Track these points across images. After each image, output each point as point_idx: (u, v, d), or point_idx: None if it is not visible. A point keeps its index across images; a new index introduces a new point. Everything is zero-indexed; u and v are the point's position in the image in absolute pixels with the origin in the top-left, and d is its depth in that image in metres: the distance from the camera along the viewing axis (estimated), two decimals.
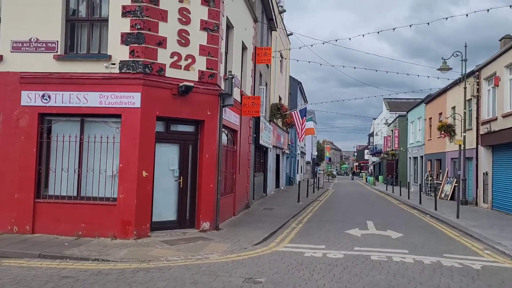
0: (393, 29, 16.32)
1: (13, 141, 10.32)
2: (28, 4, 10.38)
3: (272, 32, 24.21)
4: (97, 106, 10.15)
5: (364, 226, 13.73)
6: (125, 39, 10.13)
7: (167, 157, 10.95)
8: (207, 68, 11.15)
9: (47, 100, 10.27)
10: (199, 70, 11.01)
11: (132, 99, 10.07)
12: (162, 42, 10.37)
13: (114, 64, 10.14)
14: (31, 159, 10.29)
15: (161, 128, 10.76)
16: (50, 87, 10.26)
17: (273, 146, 25.61)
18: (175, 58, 10.60)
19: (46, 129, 10.54)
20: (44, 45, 10.32)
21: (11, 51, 10.39)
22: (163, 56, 10.40)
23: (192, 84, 10.57)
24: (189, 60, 10.83)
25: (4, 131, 10.39)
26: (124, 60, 10.12)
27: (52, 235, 10.10)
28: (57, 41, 10.32)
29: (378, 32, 15.37)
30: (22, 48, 10.36)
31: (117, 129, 10.23)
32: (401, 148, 44.51)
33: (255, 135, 18.86)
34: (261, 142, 19.86)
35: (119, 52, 10.14)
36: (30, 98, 10.32)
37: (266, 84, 22.69)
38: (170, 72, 10.52)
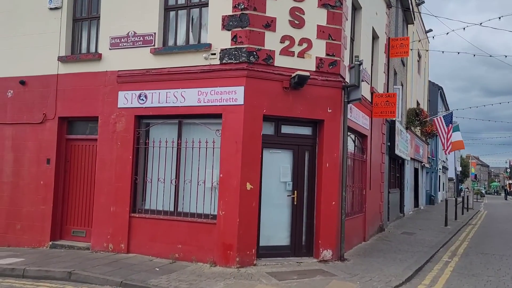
0: None
1: (110, 147, 9.32)
2: None
3: (409, 25, 20.81)
4: (195, 105, 8.57)
5: None
6: (227, 23, 8.40)
7: (277, 166, 8.82)
8: (327, 55, 8.84)
9: (143, 100, 9.05)
10: (316, 57, 8.76)
11: (234, 95, 8.24)
12: (270, 24, 8.40)
13: (214, 54, 8.48)
14: (127, 168, 9.12)
15: (269, 130, 8.71)
16: (147, 85, 9.04)
17: (411, 158, 21.86)
18: (287, 43, 8.53)
19: (144, 134, 9.31)
20: (141, 38, 9.16)
21: (110, 49, 9.49)
22: (271, 41, 8.41)
23: (307, 73, 8.35)
24: (304, 45, 8.65)
25: (102, 136, 9.46)
26: (225, 49, 8.38)
27: (147, 256, 8.72)
28: (155, 33, 9.07)
29: None
30: (120, 44, 9.36)
31: (217, 132, 8.49)
32: None
33: (389, 144, 15.76)
34: (396, 152, 16.61)
35: (219, 39, 8.46)
36: (126, 99, 9.22)
37: (402, 85, 19.36)
38: (280, 61, 8.47)
